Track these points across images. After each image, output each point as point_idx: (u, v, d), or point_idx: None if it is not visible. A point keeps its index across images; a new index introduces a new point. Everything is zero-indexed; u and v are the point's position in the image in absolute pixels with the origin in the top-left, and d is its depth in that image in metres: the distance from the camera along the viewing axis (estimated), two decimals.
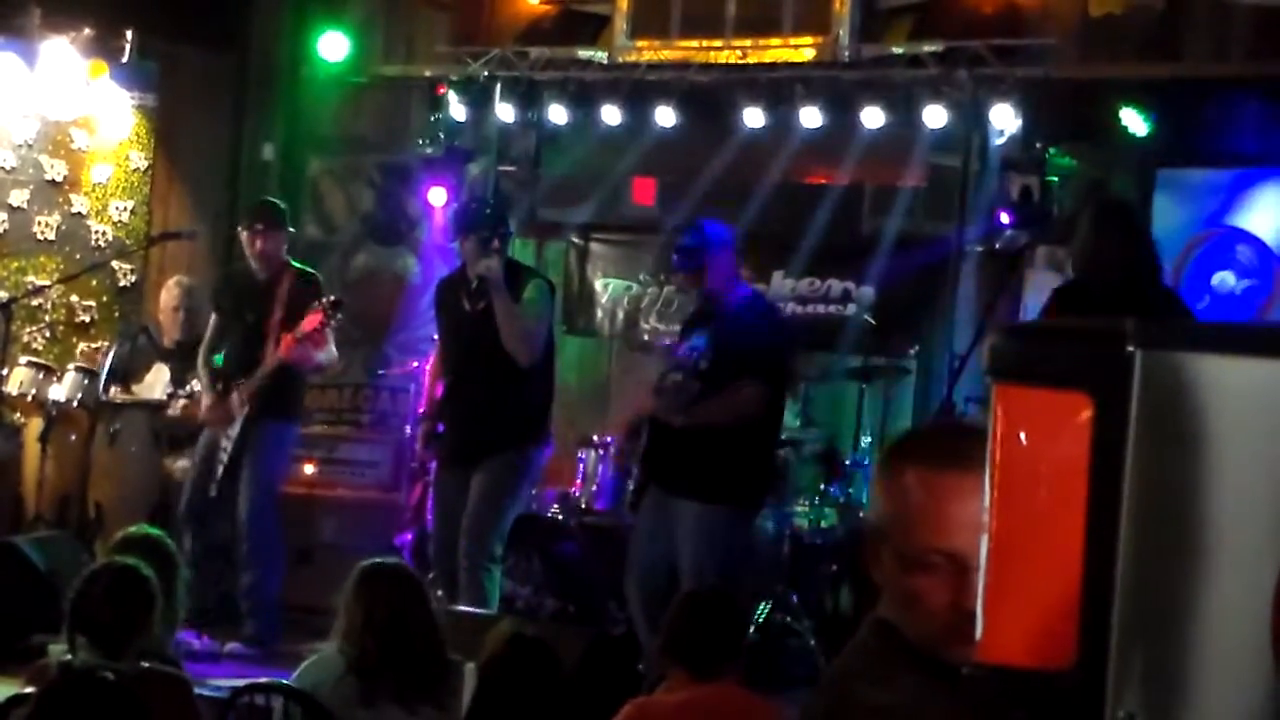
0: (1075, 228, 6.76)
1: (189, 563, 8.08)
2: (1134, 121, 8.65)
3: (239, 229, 8.67)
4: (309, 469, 9.57)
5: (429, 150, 10.43)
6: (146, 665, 4.62)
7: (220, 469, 8.33)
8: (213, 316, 8.68)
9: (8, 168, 10.42)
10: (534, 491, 8.54)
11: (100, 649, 4.50)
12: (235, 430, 8.26)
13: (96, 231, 10.61)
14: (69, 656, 4.65)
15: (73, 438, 9.26)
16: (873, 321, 9.46)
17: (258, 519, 8.32)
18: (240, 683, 5.45)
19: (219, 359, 8.42)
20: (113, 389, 9.23)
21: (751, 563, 7.15)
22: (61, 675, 3.97)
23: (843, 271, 9.78)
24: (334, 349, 8.48)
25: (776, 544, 8.23)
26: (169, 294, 9.56)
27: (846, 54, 9.33)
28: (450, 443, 7.80)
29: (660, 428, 7.10)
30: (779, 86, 9.50)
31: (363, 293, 10.82)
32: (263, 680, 5.32)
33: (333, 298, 8.19)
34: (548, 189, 10.49)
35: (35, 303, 10.25)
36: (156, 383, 9.33)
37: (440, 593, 7.48)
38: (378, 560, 5.38)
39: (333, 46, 10.65)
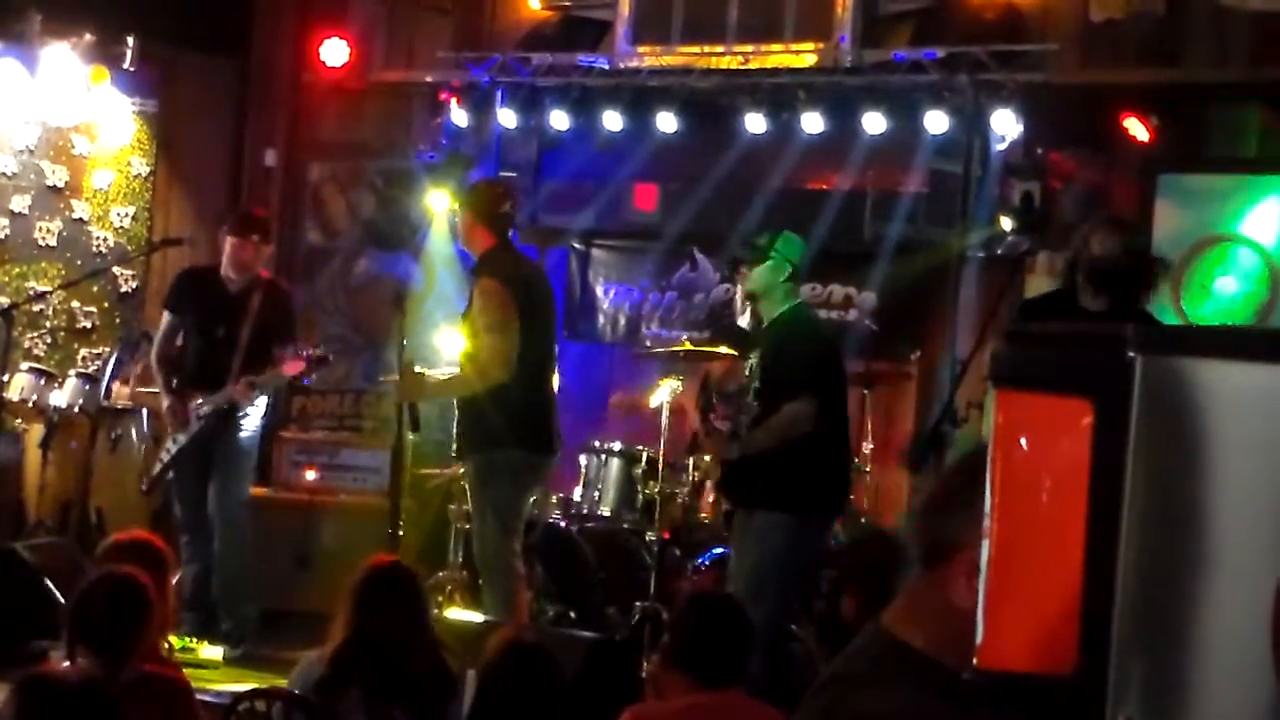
0: (1073, 238, 6.77)
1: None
2: (1135, 127, 8.66)
3: (227, 234, 8.47)
4: (309, 475, 9.57)
5: (430, 156, 10.44)
6: (147, 670, 4.62)
7: (158, 467, 8.34)
8: (166, 315, 8.53)
9: (9, 173, 10.43)
10: (554, 498, 8.51)
11: (101, 658, 4.49)
12: (182, 438, 8.23)
13: (98, 237, 10.62)
14: (67, 664, 4.65)
15: (73, 444, 9.26)
16: (874, 327, 9.46)
17: (233, 521, 8.29)
18: (240, 688, 5.46)
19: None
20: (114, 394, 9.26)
21: (795, 573, 7.09)
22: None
23: (844, 277, 9.78)
24: (286, 371, 8.44)
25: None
26: None
27: (848, 59, 9.33)
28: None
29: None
30: (780, 92, 9.51)
31: (364, 299, 10.83)
32: (264, 686, 5.32)
33: (318, 353, 8.18)
34: (549, 195, 10.49)
35: (36, 309, 10.26)
36: None
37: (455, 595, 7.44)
38: (380, 562, 5.39)
39: (334, 52, 10.65)
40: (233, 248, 8.35)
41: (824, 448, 6.97)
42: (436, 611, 7.51)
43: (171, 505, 8.62)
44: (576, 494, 8.78)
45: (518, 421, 7.22)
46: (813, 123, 9.37)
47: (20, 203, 10.45)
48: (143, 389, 9.45)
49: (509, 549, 7.29)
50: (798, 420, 6.87)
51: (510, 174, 10.51)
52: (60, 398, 9.22)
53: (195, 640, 7.93)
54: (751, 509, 7.03)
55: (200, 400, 8.19)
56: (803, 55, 9.47)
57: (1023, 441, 1.64)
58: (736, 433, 7.22)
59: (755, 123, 9.54)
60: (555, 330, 7.79)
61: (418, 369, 7.65)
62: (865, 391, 9.01)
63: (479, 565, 7.47)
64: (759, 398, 7.03)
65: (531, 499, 7.61)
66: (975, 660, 1.66)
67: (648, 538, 8.19)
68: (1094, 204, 8.80)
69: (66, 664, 4.66)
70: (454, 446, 7.79)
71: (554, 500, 8.72)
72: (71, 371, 9.60)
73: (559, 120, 10.12)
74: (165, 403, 8.32)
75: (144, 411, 9.36)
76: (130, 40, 10.15)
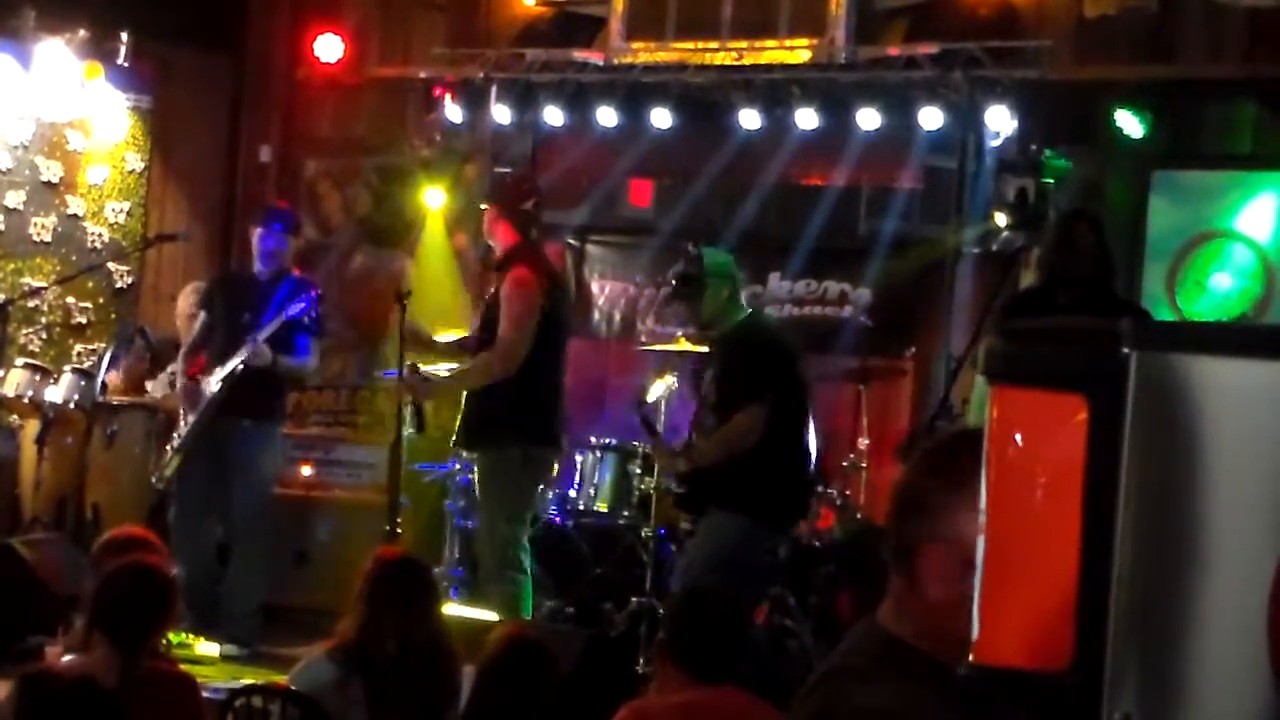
0: (1044, 234, 6.87)
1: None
2: (1129, 123, 8.66)
3: (252, 227, 8.67)
4: (305, 470, 9.57)
5: (425, 152, 10.44)
6: (155, 666, 4.62)
7: (169, 453, 8.37)
8: (201, 314, 8.63)
9: (3, 169, 10.42)
10: (551, 494, 8.47)
11: (118, 648, 4.50)
12: (193, 418, 8.26)
13: (93, 233, 10.61)
14: (67, 658, 4.65)
15: (69, 439, 9.26)
16: (869, 323, 9.46)
17: (251, 524, 8.35)
18: (237, 684, 5.46)
19: None
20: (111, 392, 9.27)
21: (735, 574, 6.96)
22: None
23: (839, 273, 9.79)
24: (313, 358, 8.48)
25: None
26: (185, 300, 9.51)
27: (842, 56, 9.33)
28: (460, 420, 7.69)
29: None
30: (775, 88, 9.51)
31: (359, 295, 10.83)
32: (261, 682, 5.32)
33: (320, 293, 8.30)
34: (544, 191, 10.47)
35: (31, 304, 10.25)
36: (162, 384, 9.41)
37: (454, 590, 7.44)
38: (392, 554, 5.40)
39: (329, 48, 10.65)
40: (258, 239, 8.53)
41: (778, 454, 6.92)
42: None
43: (168, 502, 8.62)
44: (572, 490, 8.78)
45: (529, 415, 7.30)
46: (807, 119, 9.37)
47: (15, 198, 10.44)
48: (130, 395, 9.48)
49: (516, 544, 7.33)
50: (745, 430, 6.85)
51: (505, 170, 10.52)
52: (56, 393, 9.21)
53: (191, 636, 7.93)
54: (706, 510, 7.02)
55: (217, 368, 8.25)
56: (797, 51, 9.47)
57: (1018, 437, 1.64)
58: (690, 445, 7.23)
59: (750, 119, 9.54)
60: (568, 330, 7.86)
61: (422, 366, 7.67)
62: (860, 388, 9.01)
63: (483, 560, 7.47)
64: (714, 412, 7.01)
65: (538, 494, 7.65)
66: (971, 656, 1.67)
67: (643, 534, 8.19)
68: (1089, 200, 8.81)
69: (68, 658, 4.66)
70: (452, 440, 7.81)
71: (550, 496, 8.71)
72: (67, 367, 9.58)
73: (553, 116, 10.12)
74: (180, 383, 8.41)
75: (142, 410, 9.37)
76: (124, 36, 10.14)
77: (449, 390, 7.69)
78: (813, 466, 7.32)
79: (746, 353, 7.01)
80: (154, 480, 8.63)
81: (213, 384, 8.26)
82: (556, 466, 7.73)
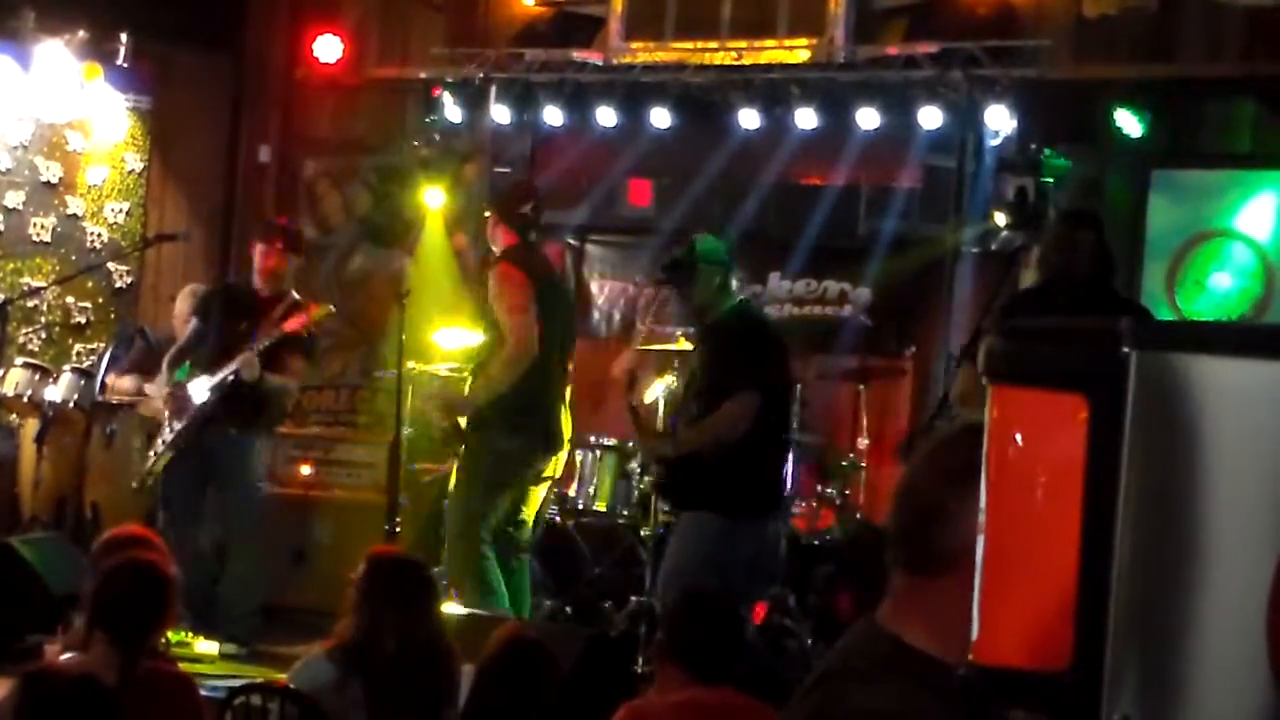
0: (1044, 233, 6.87)
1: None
2: (1129, 122, 8.66)
3: (255, 241, 8.63)
4: (305, 470, 9.56)
5: (424, 152, 10.44)
6: (154, 666, 4.62)
7: (153, 457, 8.36)
8: (193, 321, 8.60)
9: (2, 170, 10.42)
10: (550, 493, 8.44)
11: (117, 646, 4.50)
12: (179, 424, 8.24)
13: (92, 233, 10.62)
14: (67, 656, 4.65)
15: (68, 439, 9.26)
16: (869, 322, 9.46)
17: (246, 526, 8.35)
18: (236, 683, 5.45)
19: (182, 372, 8.40)
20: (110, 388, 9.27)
21: (716, 571, 6.74)
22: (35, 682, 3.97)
23: (839, 273, 9.79)
24: (299, 380, 8.49)
25: (774, 546, 8.20)
26: (184, 301, 9.48)
27: (842, 55, 9.33)
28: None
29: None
30: (774, 88, 9.51)
31: (359, 294, 10.83)
32: (260, 680, 5.32)
33: (323, 310, 8.24)
34: (543, 191, 10.47)
35: (31, 304, 10.26)
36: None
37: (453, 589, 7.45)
38: (388, 553, 5.40)
39: (328, 48, 10.65)
40: (259, 255, 8.48)
41: (758, 447, 6.86)
42: None
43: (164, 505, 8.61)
44: (572, 489, 8.78)
45: (514, 413, 7.30)
46: (806, 118, 9.37)
47: (14, 199, 10.44)
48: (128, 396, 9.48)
49: (476, 535, 7.35)
50: (735, 418, 6.77)
51: (504, 170, 10.53)
52: (55, 393, 9.21)
53: (190, 634, 7.93)
54: (684, 509, 7.01)
55: (203, 377, 8.23)
56: (796, 51, 9.47)
57: (1017, 437, 1.64)
58: (674, 432, 7.19)
59: (749, 118, 9.54)
60: (569, 336, 7.84)
61: (423, 368, 7.70)
62: (860, 387, 9.02)
63: (447, 529, 7.56)
64: (699, 399, 6.96)
65: (510, 493, 7.61)
66: (970, 656, 1.66)
67: (643, 533, 8.18)
68: (1088, 199, 8.81)
69: (67, 656, 4.66)
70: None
71: (549, 496, 8.70)
72: (66, 367, 9.59)
73: (552, 116, 10.11)
74: (165, 390, 8.37)
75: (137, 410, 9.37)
76: (124, 37, 10.15)
77: (483, 397, 7.58)
78: (790, 462, 7.32)
79: (739, 340, 6.97)
80: (135, 484, 8.60)
81: (202, 391, 8.23)
82: (554, 466, 7.72)
